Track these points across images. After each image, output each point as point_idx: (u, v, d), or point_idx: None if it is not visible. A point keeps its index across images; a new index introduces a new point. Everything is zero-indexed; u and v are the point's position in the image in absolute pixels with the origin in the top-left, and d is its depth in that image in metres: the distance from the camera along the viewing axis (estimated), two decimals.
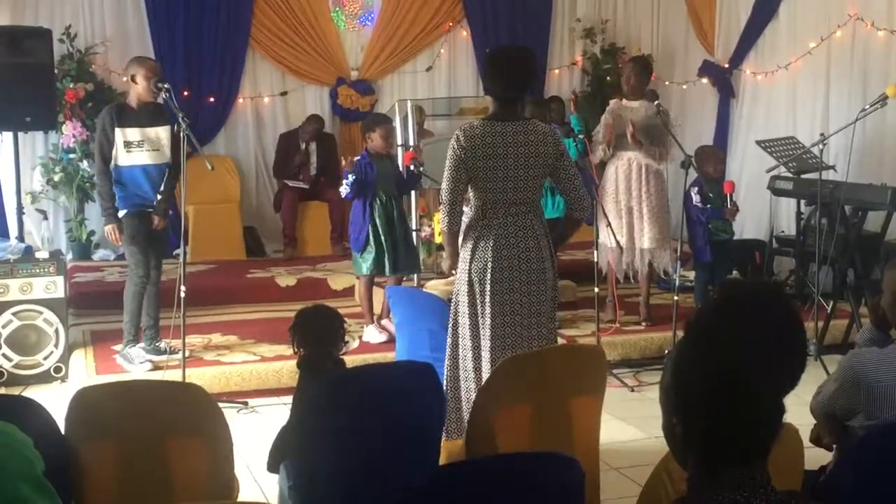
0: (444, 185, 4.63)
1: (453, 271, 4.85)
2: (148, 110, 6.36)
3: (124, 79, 7.03)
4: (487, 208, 4.60)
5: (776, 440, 1.85)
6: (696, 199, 7.42)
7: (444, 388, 4.66)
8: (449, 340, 4.72)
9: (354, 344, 6.69)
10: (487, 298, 4.58)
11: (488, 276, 4.58)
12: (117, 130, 6.25)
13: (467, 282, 4.63)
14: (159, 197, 6.39)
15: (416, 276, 7.33)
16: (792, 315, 1.87)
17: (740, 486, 1.78)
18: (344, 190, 6.76)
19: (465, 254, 4.65)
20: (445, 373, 4.69)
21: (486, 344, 4.59)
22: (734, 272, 8.33)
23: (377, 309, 7.02)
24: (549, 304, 4.71)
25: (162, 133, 6.37)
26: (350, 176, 6.68)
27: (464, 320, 4.65)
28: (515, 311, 4.60)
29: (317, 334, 4.06)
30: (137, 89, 6.30)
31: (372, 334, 6.88)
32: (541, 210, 4.75)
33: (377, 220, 6.76)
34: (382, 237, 6.76)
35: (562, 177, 4.69)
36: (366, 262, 6.80)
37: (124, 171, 6.30)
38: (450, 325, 4.73)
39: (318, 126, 9.99)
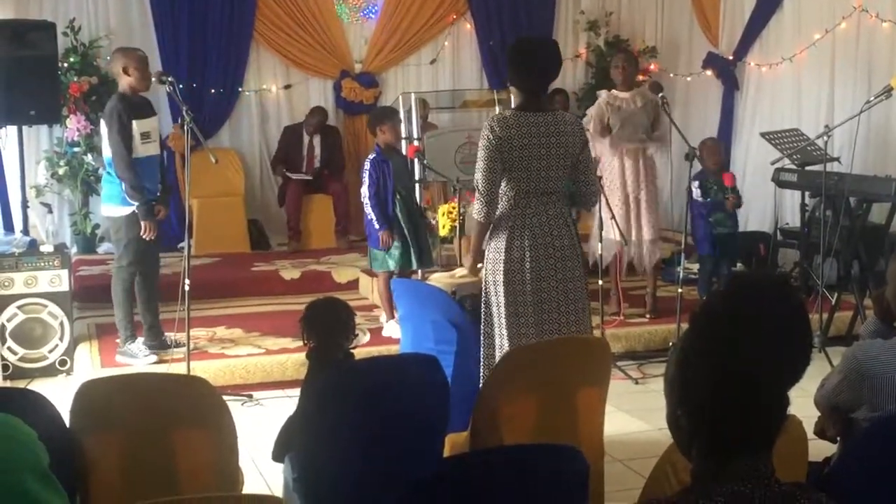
0: (480, 176, 4.59)
1: (479, 266, 4.84)
2: (141, 102, 6.37)
3: (111, 68, 6.97)
4: (520, 198, 4.61)
5: (781, 432, 1.85)
6: (696, 192, 7.43)
7: (479, 380, 4.66)
8: (483, 331, 4.72)
9: (365, 338, 6.68)
10: (528, 287, 4.59)
11: (527, 265, 4.59)
12: (133, 122, 6.22)
13: (504, 272, 4.62)
14: (160, 187, 6.41)
15: (429, 267, 7.33)
16: (797, 308, 1.87)
17: (744, 478, 1.78)
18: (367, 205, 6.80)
19: (498, 244, 4.64)
20: (483, 361, 4.70)
21: (527, 332, 4.59)
22: (739, 264, 8.33)
23: None
24: (583, 291, 4.74)
25: (157, 124, 6.40)
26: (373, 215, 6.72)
27: (502, 311, 4.63)
28: (552, 299, 4.62)
29: (326, 326, 4.06)
30: (131, 81, 6.27)
31: (393, 329, 6.87)
32: (566, 200, 4.77)
33: (399, 215, 6.76)
34: (406, 231, 6.76)
35: (581, 168, 4.72)
36: (392, 258, 6.79)
37: (140, 164, 6.25)
38: (483, 316, 4.72)
39: (321, 118, 9.99)
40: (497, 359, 4.63)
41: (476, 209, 4.66)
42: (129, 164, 6.18)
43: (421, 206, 7.19)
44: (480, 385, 4.63)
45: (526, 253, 4.60)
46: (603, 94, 7.44)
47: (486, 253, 4.72)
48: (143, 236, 6.25)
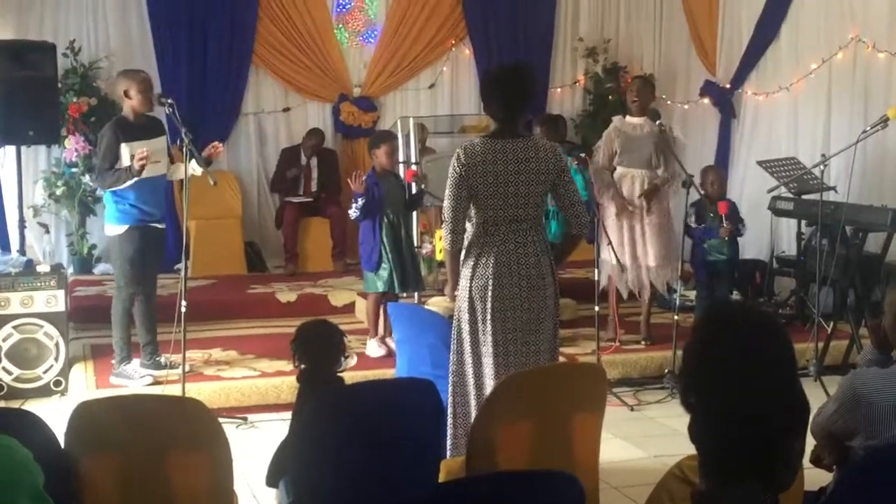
0: (446, 204, 4.63)
1: (455, 293, 4.85)
2: (144, 122, 6.37)
3: (114, 90, 6.99)
4: (489, 225, 4.61)
5: (789, 471, 1.86)
6: (691, 218, 7.43)
7: (450, 405, 4.66)
8: (453, 358, 4.72)
9: (353, 361, 6.67)
10: (489, 316, 4.60)
11: (489, 293, 4.59)
12: (123, 146, 6.21)
13: (468, 299, 4.64)
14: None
15: (416, 292, 7.35)
16: (774, 340, 1.89)
17: (742, 502, 1.79)
18: (353, 213, 6.79)
19: (466, 271, 4.66)
20: (450, 390, 4.70)
21: (488, 361, 4.60)
22: (734, 292, 8.33)
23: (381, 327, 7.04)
24: (549, 322, 4.71)
25: (161, 144, 6.39)
26: (360, 200, 6.70)
27: (466, 337, 4.65)
28: (517, 328, 4.61)
29: (317, 349, 4.05)
30: (132, 103, 6.29)
31: (373, 348, 6.92)
32: (542, 227, 4.76)
33: (384, 239, 6.78)
34: (390, 255, 6.77)
35: (560, 193, 4.70)
36: (381, 280, 6.82)
37: (132, 186, 6.25)
38: (453, 342, 4.73)
39: (318, 140, 9.99)
40: (467, 384, 4.66)
41: (444, 238, 4.68)
42: (102, 170, 6.24)
43: (411, 233, 7.17)
44: (449, 409, 4.63)
45: (489, 281, 4.59)
46: (615, 120, 7.41)
47: (460, 279, 4.73)
48: (141, 160, 6.08)
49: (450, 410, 4.67)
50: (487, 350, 4.61)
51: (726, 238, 7.51)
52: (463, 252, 4.71)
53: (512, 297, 4.60)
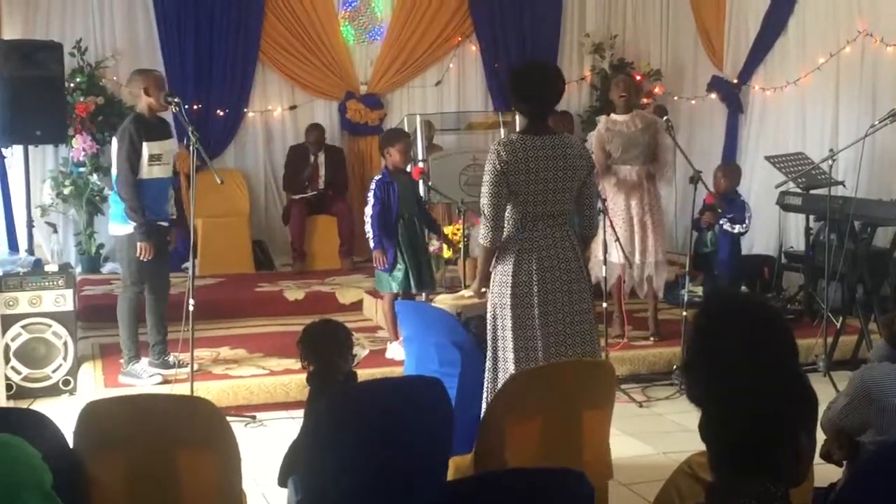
0: (486, 201, 4.59)
1: (483, 289, 4.83)
2: (157, 123, 6.37)
3: (128, 90, 6.99)
4: (527, 221, 4.61)
5: (797, 463, 1.85)
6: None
7: (484, 402, 4.64)
8: (490, 354, 4.71)
9: (364, 352, 6.66)
10: (535, 311, 4.59)
11: (535, 288, 4.59)
12: (144, 144, 6.20)
13: (511, 295, 4.62)
14: (175, 215, 6.42)
15: (431, 292, 7.32)
16: (770, 329, 1.88)
17: (753, 496, 1.79)
18: (369, 220, 6.80)
19: (506, 267, 4.64)
20: (486, 385, 4.69)
21: (535, 355, 4.58)
22: (743, 287, 8.32)
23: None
24: (590, 313, 4.75)
25: (171, 146, 6.38)
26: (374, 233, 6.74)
27: (509, 334, 4.62)
28: (564, 321, 4.63)
29: (324, 349, 4.04)
30: (150, 101, 6.27)
31: (397, 351, 6.87)
32: (572, 222, 4.78)
33: (400, 239, 6.76)
34: (406, 255, 6.75)
35: (584, 193, 4.72)
36: (395, 281, 6.80)
37: (144, 185, 6.24)
38: (490, 339, 4.71)
39: (319, 134, 9.95)
40: (500, 382, 4.62)
41: (482, 234, 4.65)
42: (131, 185, 6.18)
43: (425, 231, 7.15)
44: (483, 408, 4.63)
45: (533, 276, 4.60)
46: (602, 121, 7.44)
47: (493, 276, 4.71)
48: (139, 257, 6.23)
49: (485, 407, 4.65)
50: (535, 345, 4.59)
51: (704, 227, 7.58)
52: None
53: (555, 291, 4.61)
